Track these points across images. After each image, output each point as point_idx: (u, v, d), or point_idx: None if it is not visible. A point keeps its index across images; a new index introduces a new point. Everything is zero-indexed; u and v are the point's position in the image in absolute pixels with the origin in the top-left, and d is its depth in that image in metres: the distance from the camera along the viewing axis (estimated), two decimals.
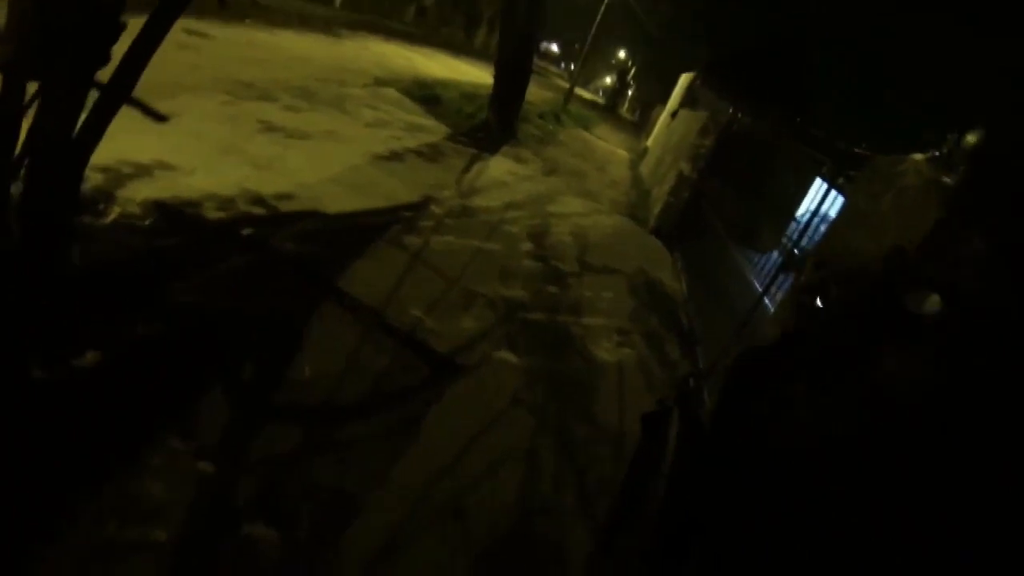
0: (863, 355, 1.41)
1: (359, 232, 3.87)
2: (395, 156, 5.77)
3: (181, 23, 8.06)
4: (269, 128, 5.04)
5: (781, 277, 3.96)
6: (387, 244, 3.86)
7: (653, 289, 5.44)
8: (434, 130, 7.76)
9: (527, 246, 4.89)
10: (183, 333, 2.49)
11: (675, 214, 7.69)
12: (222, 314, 2.66)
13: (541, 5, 9.01)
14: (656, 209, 8.34)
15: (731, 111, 7.39)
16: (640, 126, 27.80)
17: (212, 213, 3.42)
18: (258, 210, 3.65)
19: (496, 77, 9.33)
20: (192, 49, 6.62)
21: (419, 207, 4.68)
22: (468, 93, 11.20)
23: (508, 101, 9.49)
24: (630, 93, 42.50)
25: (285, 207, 3.80)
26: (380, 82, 9.45)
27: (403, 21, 20.56)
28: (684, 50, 17.77)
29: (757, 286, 6.14)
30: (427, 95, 9.59)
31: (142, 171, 3.56)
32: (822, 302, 2.00)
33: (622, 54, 43.08)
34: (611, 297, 4.63)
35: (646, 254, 6.60)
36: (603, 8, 17.75)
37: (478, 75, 15.64)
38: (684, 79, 15.83)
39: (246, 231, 3.38)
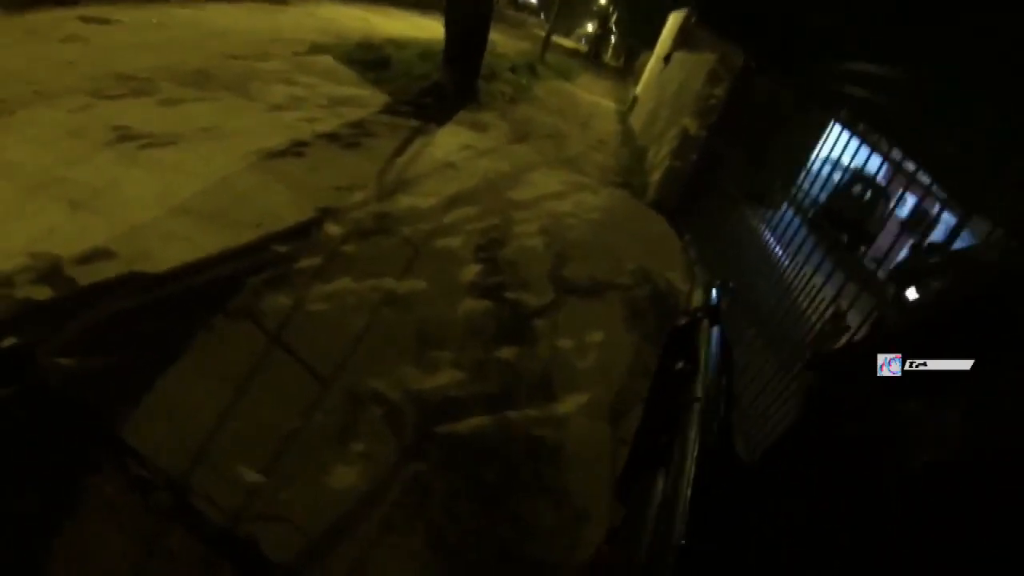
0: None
1: (190, 304, 2.28)
2: (295, 149, 4.09)
3: (80, 10, 5.75)
4: (124, 137, 3.45)
5: None
6: (230, 320, 2.27)
7: (661, 305, 3.87)
8: (367, 102, 6.03)
9: (472, 271, 3.25)
10: None
11: (680, 182, 6.06)
12: None
13: None
14: (655, 176, 6.69)
15: (744, 53, 5.66)
16: (626, 73, 26.00)
17: None
18: (43, 292, 2.11)
19: (447, 25, 7.49)
20: (80, 41, 5.03)
21: (305, 231, 3.06)
22: (428, 51, 9.27)
23: (465, 54, 7.63)
24: (613, 39, 40.27)
25: (88, 277, 2.25)
26: (316, 49, 7.62)
27: None
28: None
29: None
30: (373, 59, 7.72)
31: None
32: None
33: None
34: (600, 341, 3.05)
35: (648, 243, 5.00)
36: None
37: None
38: (674, 17, 13.83)
39: (7, 341, 1.85)
